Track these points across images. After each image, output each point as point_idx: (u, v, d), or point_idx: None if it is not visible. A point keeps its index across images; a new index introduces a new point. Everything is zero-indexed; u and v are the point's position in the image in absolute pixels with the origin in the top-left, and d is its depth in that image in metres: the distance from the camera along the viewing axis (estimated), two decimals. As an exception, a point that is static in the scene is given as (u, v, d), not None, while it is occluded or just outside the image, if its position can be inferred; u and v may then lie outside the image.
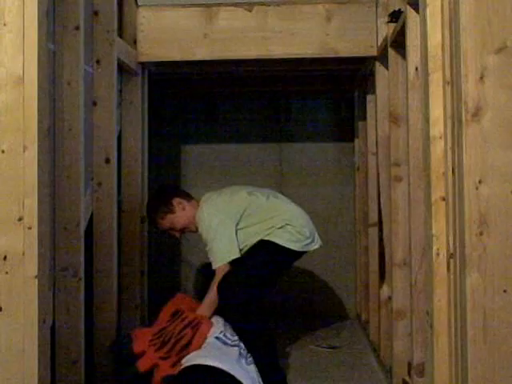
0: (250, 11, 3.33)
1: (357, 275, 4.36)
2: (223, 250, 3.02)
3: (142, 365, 2.77)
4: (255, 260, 3.06)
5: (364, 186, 3.90)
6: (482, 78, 1.73)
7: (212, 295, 2.99)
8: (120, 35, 3.18)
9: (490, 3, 1.74)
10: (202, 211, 3.13)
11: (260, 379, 2.76)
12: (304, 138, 4.67)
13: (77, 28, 2.48)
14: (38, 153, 1.93)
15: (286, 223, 3.09)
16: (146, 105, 3.52)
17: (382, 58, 3.08)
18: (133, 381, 2.80)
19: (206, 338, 2.81)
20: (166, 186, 3.47)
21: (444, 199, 1.91)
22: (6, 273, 1.92)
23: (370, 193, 3.62)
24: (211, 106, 4.71)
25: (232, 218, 3.08)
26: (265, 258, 3.07)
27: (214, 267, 3.03)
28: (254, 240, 3.08)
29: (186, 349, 2.77)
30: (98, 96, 2.83)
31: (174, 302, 3.10)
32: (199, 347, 2.78)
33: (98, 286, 2.82)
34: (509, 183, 1.72)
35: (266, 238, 3.06)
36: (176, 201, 3.21)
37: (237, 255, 3.02)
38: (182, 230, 3.27)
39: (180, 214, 3.20)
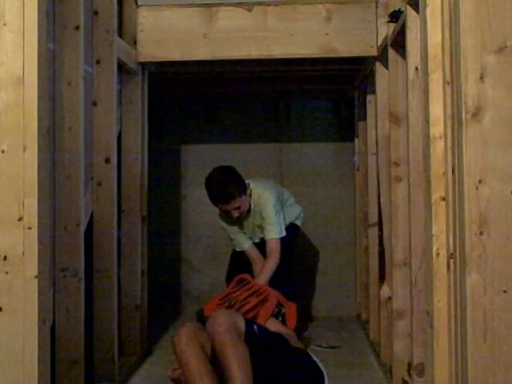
0: (250, 11, 3.33)
1: (357, 275, 4.36)
2: (282, 227, 3.54)
3: None
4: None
5: (364, 186, 3.90)
6: (481, 77, 1.73)
7: (273, 264, 3.43)
8: (120, 35, 3.18)
9: (489, 3, 1.74)
10: (264, 190, 3.54)
11: None
12: (304, 138, 4.67)
13: (77, 28, 2.48)
14: (38, 153, 1.93)
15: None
16: (146, 105, 3.51)
17: (382, 57, 3.08)
18: None
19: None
20: (232, 168, 3.54)
21: (444, 199, 1.91)
22: (6, 273, 1.92)
23: (370, 193, 3.62)
24: (211, 106, 4.71)
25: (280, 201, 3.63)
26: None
27: (273, 236, 3.49)
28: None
29: (248, 313, 2.99)
30: (98, 96, 2.83)
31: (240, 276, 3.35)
32: (264, 322, 2.98)
33: (98, 286, 2.82)
34: (509, 183, 1.72)
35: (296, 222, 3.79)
36: (247, 183, 3.53)
37: (284, 234, 3.56)
38: (242, 213, 3.51)
39: (248, 196, 3.51)
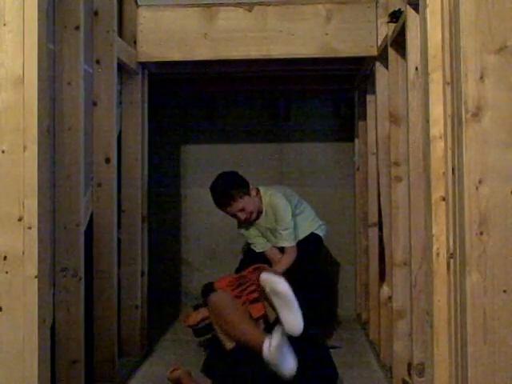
0: (250, 11, 3.33)
1: (357, 275, 4.36)
2: (294, 234, 3.57)
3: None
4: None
5: (364, 186, 3.90)
6: (481, 77, 1.73)
7: (290, 259, 3.52)
8: (120, 35, 3.18)
9: (489, 3, 1.74)
10: (277, 197, 3.55)
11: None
12: (304, 138, 4.67)
13: (77, 28, 2.48)
14: (38, 153, 1.93)
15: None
16: (146, 105, 3.52)
17: (382, 57, 3.08)
18: None
19: None
20: (234, 172, 3.60)
21: (444, 199, 1.91)
22: (6, 273, 1.92)
23: (370, 193, 3.62)
24: (211, 106, 4.71)
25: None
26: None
27: (288, 245, 3.54)
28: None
29: (252, 294, 3.11)
30: (98, 96, 2.83)
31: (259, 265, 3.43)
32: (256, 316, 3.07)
33: (98, 286, 2.82)
34: (509, 183, 1.72)
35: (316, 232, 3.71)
36: (250, 185, 3.54)
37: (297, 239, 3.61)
38: (249, 214, 3.52)
39: (253, 197, 3.52)
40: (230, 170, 3.63)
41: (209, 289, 3.29)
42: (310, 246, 3.65)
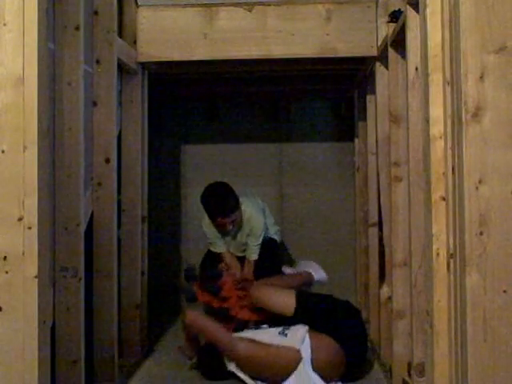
0: (250, 11, 3.33)
1: (357, 275, 4.36)
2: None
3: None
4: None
5: (364, 186, 3.90)
6: (481, 77, 1.73)
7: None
8: (120, 35, 3.18)
9: (489, 3, 1.74)
10: (254, 214, 3.71)
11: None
12: (304, 138, 4.67)
13: (77, 28, 2.48)
14: (38, 153, 1.93)
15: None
16: (146, 105, 3.52)
17: (382, 57, 3.08)
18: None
19: None
20: (226, 182, 3.74)
21: (444, 199, 1.91)
22: (6, 273, 1.92)
23: (370, 193, 3.62)
24: (211, 106, 4.71)
25: None
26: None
27: (254, 258, 3.72)
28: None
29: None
30: (98, 96, 2.83)
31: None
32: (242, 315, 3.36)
33: (98, 286, 2.82)
34: (509, 183, 1.72)
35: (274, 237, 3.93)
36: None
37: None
38: (235, 226, 3.69)
39: (240, 210, 3.66)
40: (221, 181, 3.72)
41: (191, 273, 3.67)
42: (269, 251, 3.82)
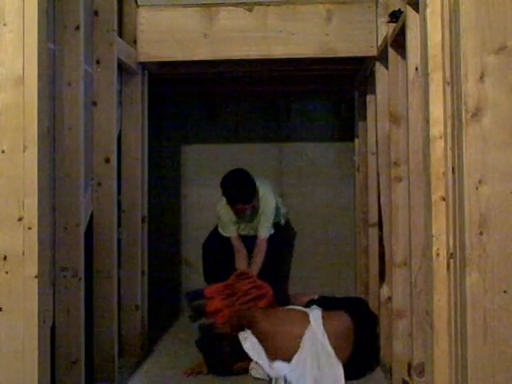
0: (250, 11, 3.33)
1: (357, 275, 4.36)
2: (271, 227, 3.97)
3: (209, 306, 3.58)
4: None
5: (364, 186, 3.89)
6: (482, 77, 1.73)
7: (261, 260, 3.88)
8: (120, 35, 3.18)
9: (489, 3, 1.74)
10: (268, 196, 3.92)
11: None
12: (304, 138, 4.67)
13: (77, 28, 2.48)
14: (38, 153, 1.93)
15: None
16: (146, 105, 3.51)
17: (382, 57, 3.07)
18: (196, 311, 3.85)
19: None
20: (245, 170, 3.92)
21: (444, 199, 1.91)
22: (6, 273, 1.92)
23: (370, 193, 3.62)
24: (211, 106, 4.71)
25: None
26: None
27: (264, 236, 3.92)
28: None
29: (249, 303, 3.52)
30: (98, 96, 2.83)
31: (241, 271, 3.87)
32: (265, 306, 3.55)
33: (98, 286, 2.82)
34: (509, 183, 1.72)
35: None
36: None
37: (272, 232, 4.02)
38: (252, 210, 3.89)
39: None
40: (242, 168, 3.89)
41: (196, 295, 3.78)
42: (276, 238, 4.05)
